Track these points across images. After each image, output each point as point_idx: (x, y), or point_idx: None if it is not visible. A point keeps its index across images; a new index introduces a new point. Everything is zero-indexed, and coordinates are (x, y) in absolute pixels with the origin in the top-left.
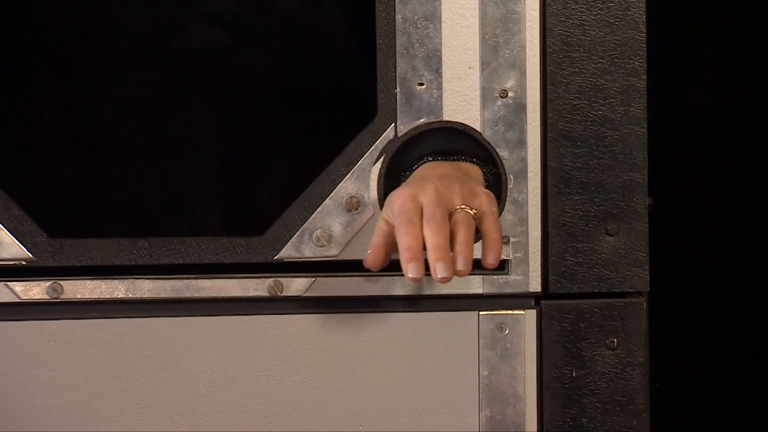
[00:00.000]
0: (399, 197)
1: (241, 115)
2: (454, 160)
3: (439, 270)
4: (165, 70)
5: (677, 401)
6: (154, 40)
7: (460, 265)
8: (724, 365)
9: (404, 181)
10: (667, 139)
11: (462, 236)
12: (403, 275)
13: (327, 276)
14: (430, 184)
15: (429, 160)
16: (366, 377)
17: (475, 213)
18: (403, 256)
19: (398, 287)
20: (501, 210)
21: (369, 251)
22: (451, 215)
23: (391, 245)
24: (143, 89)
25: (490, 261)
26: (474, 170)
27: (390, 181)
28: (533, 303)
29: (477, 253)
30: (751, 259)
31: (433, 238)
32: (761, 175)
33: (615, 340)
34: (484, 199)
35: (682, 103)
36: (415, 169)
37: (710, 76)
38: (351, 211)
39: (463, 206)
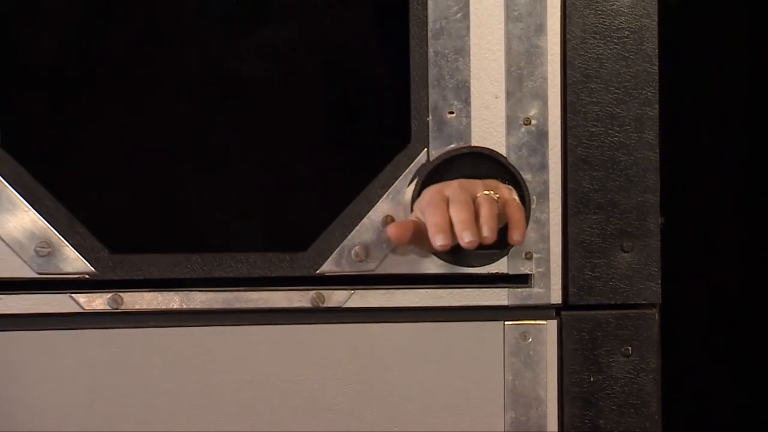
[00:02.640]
0: (426, 193)
1: (287, 140)
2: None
3: (465, 235)
4: (218, 96)
5: (688, 404)
6: (209, 69)
7: (486, 232)
8: (733, 371)
9: None
10: (681, 161)
11: (485, 210)
12: (436, 288)
13: (365, 289)
14: (454, 182)
15: None
16: (400, 382)
17: (497, 197)
18: (431, 230)
19: (430, 299)
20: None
21: (399, 224)
22: (474, 200)
23: (417, 231)
24: (197, 114)
25: (517, 237)
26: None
27: (420, 197)
28: (554, 314)
29: (503, 267)
30: (758, 273)
31: (458, 214)
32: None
33: (629, 347)
34: (505, 189)
35: (694, 127)
36: None
37: (720, 102)
38: (387, 225)
39: (486, 192)
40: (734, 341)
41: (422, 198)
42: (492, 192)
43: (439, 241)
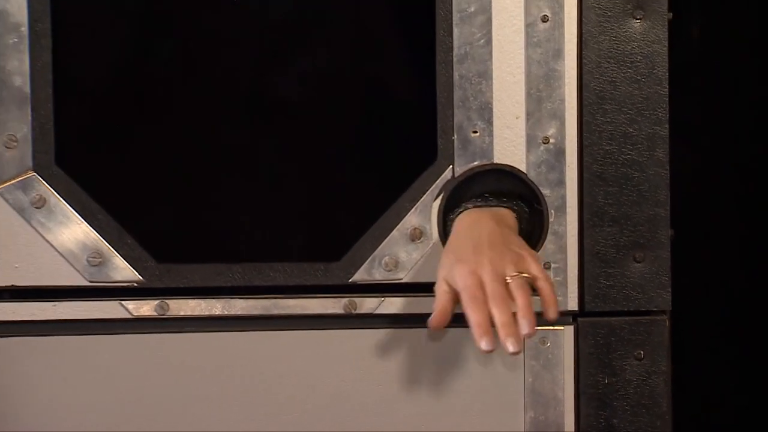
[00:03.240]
0: (460, 273)
1: (322, 158)
2: (493, 204)
3: (510, 346)
4: (259, 117)
5: (697, 405)
6: (251, 91)
7: (527, 329)
8: (739, 373)
9: (452, 223)
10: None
11: (522, 301)
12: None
13: (394, 296)
14: (484, 257)
15: (468, 208)
16: (427, 383)
17: (527, 277)
18: (475, 332)
19: (456, 307)
20: (543, 240)
21: (435, 312)
22: (507, 284)
23: (453, 307)
24: (240, 133)
25: (552, 315)
26: (508, 215)
27: (448, 214)
28: (571, 320)
29: None
30: (763, 281)
31: (500, 316)
32: None
33: (641, 351)
34: (533, 263)
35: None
36: (459, 213)
37: (728, 120)
38: (415, 240)
39: (516, 273)
40: (742, 345)
41: (456, 274)
42: (521, 273)
43: (484, 346)
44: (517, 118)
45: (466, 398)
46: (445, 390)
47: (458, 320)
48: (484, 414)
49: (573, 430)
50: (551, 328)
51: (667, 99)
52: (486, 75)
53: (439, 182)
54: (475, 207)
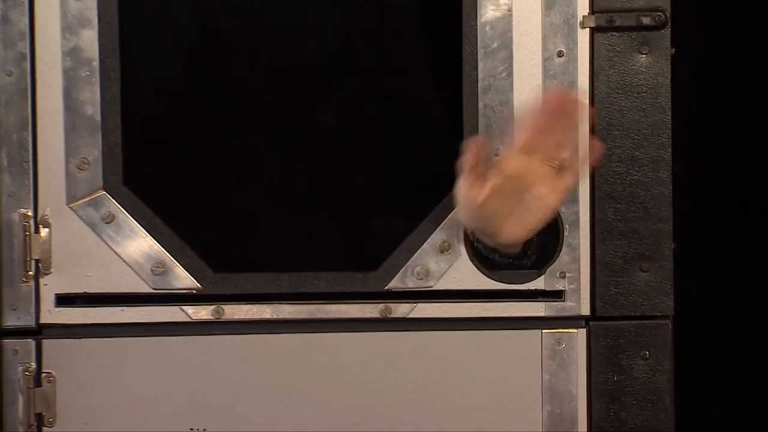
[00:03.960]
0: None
1: (361, 179)
2: None
3: None
4: (305, 142)
5: (697, 400)
6: (297, 116)
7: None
8: (737, 372)
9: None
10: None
11: None
12: (484, 301)
13: (425, 302)
14: None
15: None
16: (454, 380)
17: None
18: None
19: (480, 311)
20: (559, 252)
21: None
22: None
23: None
24: (285, 157)
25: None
26: None
27: (472, 235)
28: (584, 324)
29: (540, 284)
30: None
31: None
32: None
33: (647, 352)
34: None
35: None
36: None
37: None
38: (443, 252)
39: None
40: (739, 346)
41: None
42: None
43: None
44: None
45: (489, 394)
46: (470, 387)
47: (482, 324)
48: (507, 408)
49: (586, 422)
50: (565, 330)
51: (669, 126)
52: (507, 104)
53: None
54: None
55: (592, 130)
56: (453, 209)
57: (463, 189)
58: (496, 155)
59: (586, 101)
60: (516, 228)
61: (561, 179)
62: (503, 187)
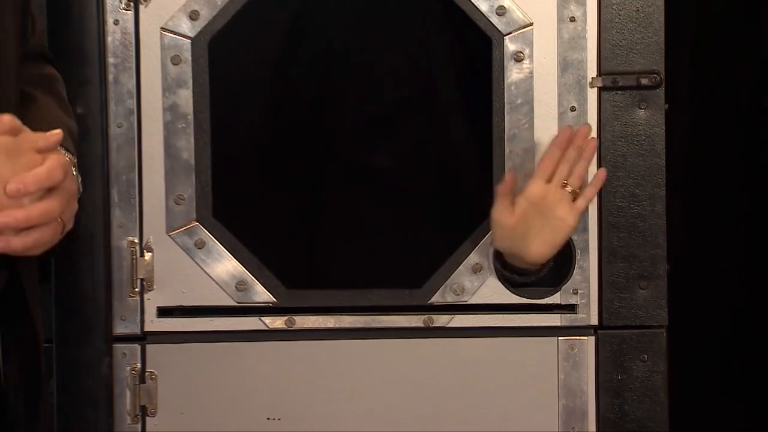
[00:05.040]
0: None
1: (409, 211)
2: None
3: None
4: (362, 178)
5: (688, 396)
6: (356, 158)
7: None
8: (727, 373)
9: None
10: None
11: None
12: (510, 313)
13: (462, 314)
14: None
15: None
16: (484, 379)
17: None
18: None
19: (507, 321)
20: (572, 272)
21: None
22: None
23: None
24: (346, 191)
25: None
26: None
27: (500, 259)
28: (593, 332)
29: (557, 299)
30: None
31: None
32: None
33: (645, 356)
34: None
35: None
36: None
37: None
38: (476, 273)
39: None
40: (727, 351)
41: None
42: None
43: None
44: None
45: (514, 391)
46: (497, 384)
47: (508, 332)
48: (529, 402)
49: (594, 414)
50: (578, 338)
51: (664, 168)
52: (530, 150)
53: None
54: None
55: (598, 159)
56: (484, 236)
57: (497, 215)
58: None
59: (594, 135)
60: (542, 246)
61: (575, 202)
62: (529, 211)
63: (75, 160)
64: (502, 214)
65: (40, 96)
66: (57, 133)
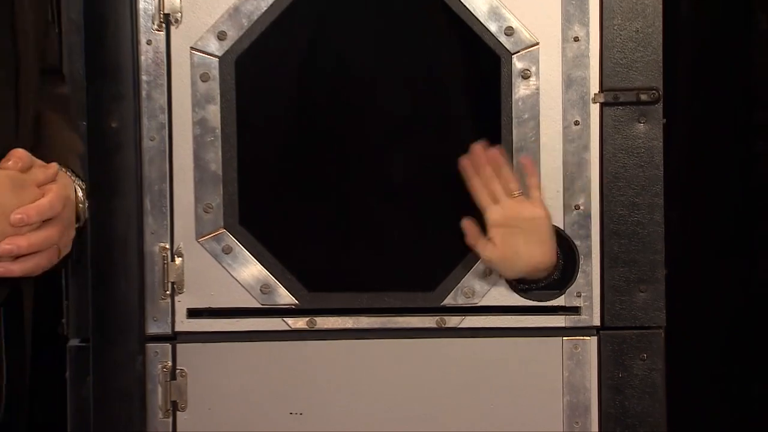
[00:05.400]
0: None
1: (423, 219)
2: None
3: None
4: (379, 189)
5: (684, 392)
6: (375, 170)
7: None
8: (720, 371)
9: None
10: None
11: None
12: (518, 315)
13: (472, 315)
14: None
15: None
16: (493, 376)
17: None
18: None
19: (514, 322)
20: (575, 276)
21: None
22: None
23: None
24: (365, 202)
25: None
26: None
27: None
28: (595, 332)
29: (561, 302)
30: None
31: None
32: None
33: (645, 355)
34: None
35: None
36: None
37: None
38: (486, 276)
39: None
40: (722, 352)
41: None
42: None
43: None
44: (557, 191)
45: (521, 387)
46: (506, 381)
47: (516, 333)
48: (535, 398)
49: (597, 410)
50: (581, 338)
51: (662, 178)
52: (536, 163)
53: None
54: None
55: (600, 170)
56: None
57: (486, 255)
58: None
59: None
60: (539, 249)
61: (531, 198)
62: (505, 234)
63: (82, 184)
64: (487, 251)
65: (52, 116)
66: (52, 166)
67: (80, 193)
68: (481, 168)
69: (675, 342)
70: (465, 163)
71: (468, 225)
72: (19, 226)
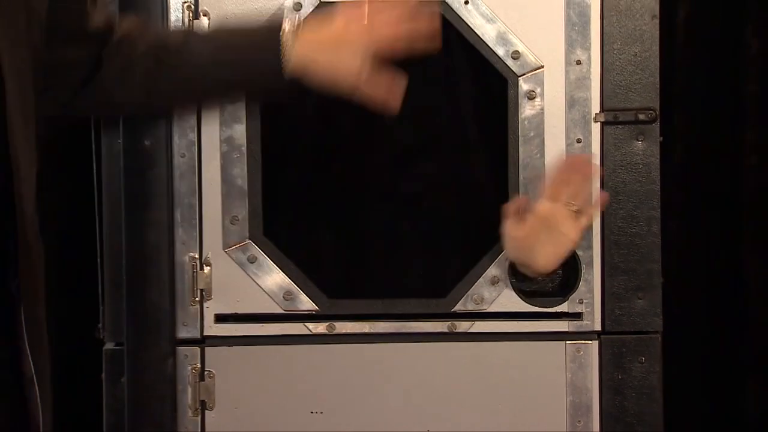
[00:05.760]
0: None
1: (436, 232)
2: None
3: None
4: (395, 202)
5: (680, 393)
6: (390, 185)
7: None
8: (712, 372)
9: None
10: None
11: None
12: (525, 320)
13: (481, 320)
14: None
15: None
16: (500, 378)
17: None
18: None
19: (521, 327)
20: (578, 284)
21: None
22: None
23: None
24: (381, 215)
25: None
26: None
27: (513, 268)
28: (596, 337)
29: (565, 308)
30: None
31: None
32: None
33: (643, 358)
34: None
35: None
36: None
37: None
38: (494, 284)
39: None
40: (713, 354)
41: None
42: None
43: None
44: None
45: (527, 388)
46: (513, 382)
47: (522, 337)
48: (540, 398)
49: (598, 409)
50: (583, 342)
51: (659, 193)
52: (541, 178)
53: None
54: None
55: (601, 185)
56: (501, 252)
57: (508, 229)
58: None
59: (597, 162)
60: (549, 257)
61: (579, 220)
62: (537, 226)
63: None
64: (512, 227)
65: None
66: None
67: None
68: (573, 172)
69: (671, 346)
70: (567, 158)
71: (520, 200)
72: None
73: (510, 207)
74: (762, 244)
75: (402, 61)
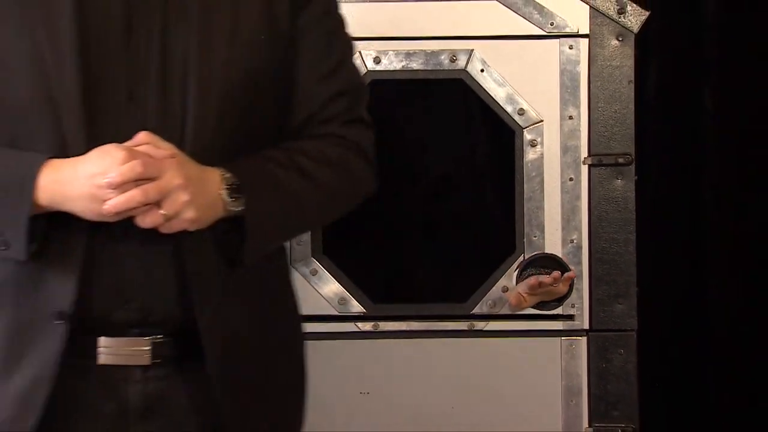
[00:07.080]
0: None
1: (458, 248)
2: (544, 271)
3: None
4: (423, 225)
5: (655, 379)
6: (419, 213)
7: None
8: (678, 362)
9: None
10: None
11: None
12: (528, 320)
13: (495, 321)
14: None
15: (531, 273)
16: (511, 366)
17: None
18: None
19: (525, 326)
20: (569, 294)
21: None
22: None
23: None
24: (414, 236)
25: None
26: None
27: (520, 277)
28: (585, 334)
29: (560, 311)
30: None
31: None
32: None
33: (622, 350)
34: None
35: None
36: (525, 275)
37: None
38: (504, 292)
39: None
40: (683, 347)
41: (522, 284)
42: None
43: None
44: (557, 230)
45: (530, 374)
46: (519, 369)
47: (526, 334)
48: (541, 382)
49: (586, 390)
50: (574, 338)
51: (634, 220)
52: (541, 208)
53: (517, 263)
54: (536, 273)
55: (589, 217)
56: (510, 266)
57: (514, 300)
58: (535, 236)
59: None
60: (549, 298)
61: (562, 288)
62: (532, 301)
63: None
64: (517, 301)
65: None
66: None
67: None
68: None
69: (645, 341)
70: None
71: (534, 281)
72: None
73: (518, 288)
74: (720, 263)
75: (435, 117)
